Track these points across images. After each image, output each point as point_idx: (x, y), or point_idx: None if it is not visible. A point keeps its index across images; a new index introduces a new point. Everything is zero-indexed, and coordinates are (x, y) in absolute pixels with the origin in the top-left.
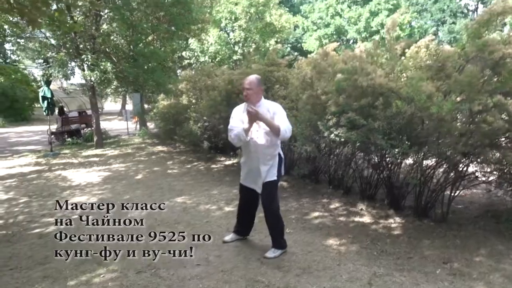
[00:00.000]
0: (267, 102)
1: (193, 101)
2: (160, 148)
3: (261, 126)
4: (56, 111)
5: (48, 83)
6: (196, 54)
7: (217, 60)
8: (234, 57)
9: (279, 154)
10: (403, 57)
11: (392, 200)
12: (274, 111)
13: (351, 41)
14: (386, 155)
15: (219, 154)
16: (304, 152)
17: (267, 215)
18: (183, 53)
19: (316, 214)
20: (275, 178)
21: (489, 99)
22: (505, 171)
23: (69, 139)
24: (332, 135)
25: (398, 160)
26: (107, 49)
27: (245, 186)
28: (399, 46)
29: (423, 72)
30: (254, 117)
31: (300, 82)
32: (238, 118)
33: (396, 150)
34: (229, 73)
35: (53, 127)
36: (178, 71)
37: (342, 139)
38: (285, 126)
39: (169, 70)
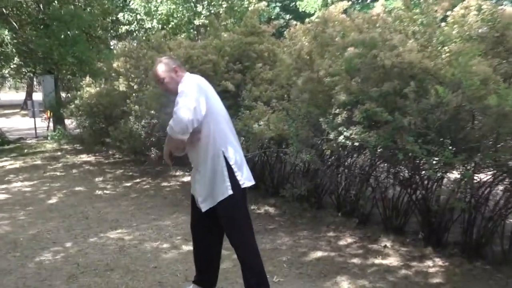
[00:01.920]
0: (185, 78)
1: (135, 87)
2: (84, 157)
3: None
4: None
5: None
6: (139, 17)
7: (170, 26)
8: (196, 22)
9: (225, 159)
10: (444, 24)
11: (429, 233)
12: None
13: None
14: (421, 167)
15: (173, 166)
16: (300, 162)
17: (237, 253)
18: (120, 16)
19: (319, 254)
20: (230, 191)
21: None
22: None
23: None
24: (341, 137)
25: (438, 174)
26: (4, 10)
27: (193, 196)
28: (440, 8)
29: (473, 45)
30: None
31: (294, 59)
32: (211, 94)
33: (435, 159)
34: (188, 46)
35: None
36: (112, 42)
37: (356, 143)
38: (173, 122)
39: (98, 41)
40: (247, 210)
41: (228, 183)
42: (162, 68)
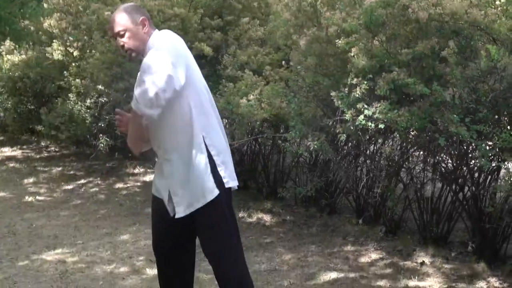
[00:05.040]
0: (157, 36)
1: (75, 53)
2: (7, 151)
3: None
4: None
5: None
6: None
7: None
8: None
9: (206, 147)
10: None
11: (482, 244)
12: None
13: None
14: (470, 155)
15: (130, 161)
16: (305, 152)
17: (222, 278)
18: None
19: (333, 275)
20: (216, 191)
21: None
22: None
23: None
24: (361, 117)
25: (493, 164)
26: None
27: (157, 198)
28: None
29: None
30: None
31: (294, 11)
32: (192, 62)
33: (489, 143)
34: None
35: None
36: None
37: (381, 125)
38: (137, 91)
39: None
40: (234, 217)
41: (212, 182)
42: (124, 17)
